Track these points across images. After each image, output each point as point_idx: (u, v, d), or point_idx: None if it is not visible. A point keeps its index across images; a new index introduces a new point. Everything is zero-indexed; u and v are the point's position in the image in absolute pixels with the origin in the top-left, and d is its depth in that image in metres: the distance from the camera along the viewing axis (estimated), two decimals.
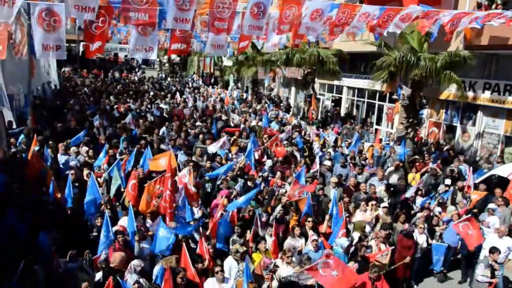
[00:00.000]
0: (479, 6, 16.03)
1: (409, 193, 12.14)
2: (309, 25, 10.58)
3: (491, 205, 11.12)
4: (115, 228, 8.47)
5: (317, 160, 14.57)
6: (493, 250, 9.27)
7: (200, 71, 48.72)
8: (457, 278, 10.74)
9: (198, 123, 19.02)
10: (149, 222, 9.23)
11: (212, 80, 44.25)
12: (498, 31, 14.06)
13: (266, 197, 11.27)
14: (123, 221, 8.93)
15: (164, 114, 21.00)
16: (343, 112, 27.03)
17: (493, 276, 9.22)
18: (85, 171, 10.97)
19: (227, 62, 37.86)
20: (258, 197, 11.05)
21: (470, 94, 17.81)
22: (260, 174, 12.78)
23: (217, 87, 39.32)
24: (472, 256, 10.23)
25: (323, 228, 10.06)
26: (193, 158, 13.63)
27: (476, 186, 12.62)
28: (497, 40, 15.18)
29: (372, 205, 10.76)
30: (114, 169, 10.90)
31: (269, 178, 12.79)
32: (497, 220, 10.74)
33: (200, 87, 38.76)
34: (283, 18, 9.98)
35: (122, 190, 10.64)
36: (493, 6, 15.49)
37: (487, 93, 17.23)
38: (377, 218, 10.61)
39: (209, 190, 11.68)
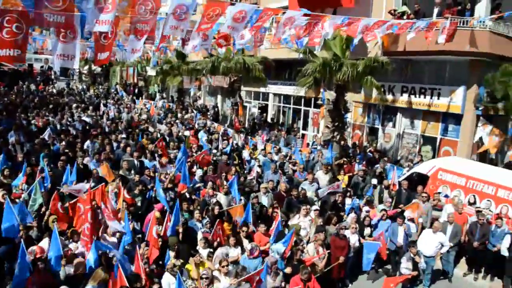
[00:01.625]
0: (392, 14, 17.03)
1: (321, 192, 12.72)
2: (232, 25, 10.45)
3: (415, 201, 11.74)
4: (33, 248, 7.69)
5: (255, 168, 14.62)
6: (411, 244, 9.82)
7: (123, 81, 47.19)
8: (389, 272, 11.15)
9: (123, 136, 18.27)
10: (72, 243, 8.63)
11: (136, 91, 42.99)
12: (412, 39, 14.97)
13: (199, 207, 11.05)
14: (44, 243, 8.22)
15: (87, 127, 20.01)
16: (270, 118, 27.39)
17: (415, 268, 9.72)
18: (1, 192, 10.01)
19: (151, 72, 36.99)
20: (190, 209, 10.82)
21: (390, 97, 18.84)
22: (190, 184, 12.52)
23: (142, 97, 38.27)
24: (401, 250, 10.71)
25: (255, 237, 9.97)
26: (121, 172, 13.08)
27: (400, 184, 13.25)
28: (411, 46, 16.18)
29: (305, 208, 10.91)
30: (35, 188, 10.13)
31: (201, 188, 12.57)
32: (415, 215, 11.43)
33: (124, 98, 37.49)
34: (205, 18, 9.76)
35: (44, 211, 9.92)
36: (404, 16, 16.53)
37: (405, 96, 18.32)
38: (310, 220, 10.79)
39: (139, 204, 11.20)
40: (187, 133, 20.06)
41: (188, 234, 9.47)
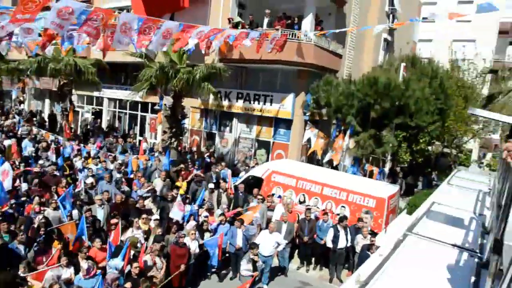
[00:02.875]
0: (230, 21, 17.56)
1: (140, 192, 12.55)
2: (58, 21, 9.46)
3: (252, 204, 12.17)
4: None
5: (81, 178, 13.45)
6: (253, 245, 10.18)
7: None
8: (230, 275, 11.31)
9: None
10: None
11: None
12: (247, 47, 15.57)
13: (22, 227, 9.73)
14: None
15: None
16: (104, 124, 25.85)
17: (255, 269, 10.07)
18: None
19: None
20: (11, 229, 9.45)
21: (226, 103, 19.34)
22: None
23: None
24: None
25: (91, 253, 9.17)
26: None
27: (236, 188, 13.62)
28: (246, 55, 16.88)
29: (144, 218, 10.44)
30: None
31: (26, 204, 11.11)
32: (258, 216, 11.85)
33: None
34: (21, 7, 8.61)
35: None
36: (239, 26, 17.17)
37: (240, 102, 19.00)
38: (148, 231, 10.36)
39: None
40: (8, 142, 17.52)
41: (7, 258, 8.22)
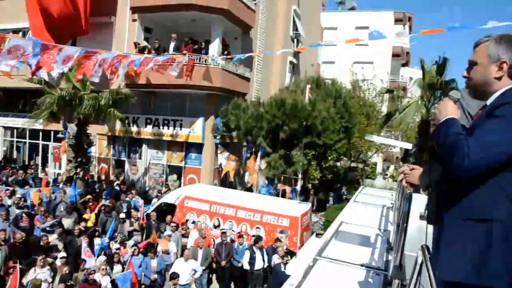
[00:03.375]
0: (136, 46, 17.19)
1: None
2: None
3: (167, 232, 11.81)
4: None
5: None
6: (173, 275, 9.83)
7: None
8: None
9: None
10: None
11: None
12: (154, 72, 15.33)
13: None
14: None
15: None
16: (0, 156, 23.82)
17: None
18: None
19: None
20: None
21: (135, 129, 18.77)
22: None
23: None
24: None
25: None
26: None
27: (148, 216, 13.18)
28: (154, 80, 16.59)
29: (42, 259, 9.62)
30: None
31: None
32: (173, 245, 11.52)
33: None
34: None
35: None
36: (145, 51, 16.87)
37: (149, 127, 18.54)
38: (54, 270, 9.59)
39: None
40: None
41: None
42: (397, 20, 41.80)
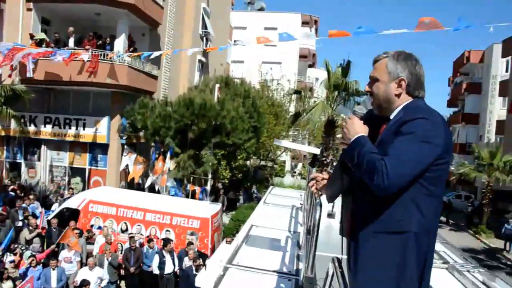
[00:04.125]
0: (31, 38, 15.95)
1: None
2: None
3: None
4: None
5: None
6: (84, 283, 9.22)
7: None
8: None
9: None
10: None
11: None
12: (54, 67, 14.36)
13: None
14: None
15: None
16: None
17: None
18: None
19: None
20: None
21: (32, 128, 17.39)
22: None
23: None
24: None
25: None
26: None
27: (48, 223, 12.31)
28: (52, 75, 15.47)
29: None
30: None
31: None
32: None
33: None
34: None
35: None
36: (43, 44, 15.70)
37: (49, 127, 17.31)
38: None
39: None
40: None
41: None
42: (304, 23, 43.38)
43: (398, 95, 2.06)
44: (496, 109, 38.82)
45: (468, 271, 4.50)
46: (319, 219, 2.37)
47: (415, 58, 2.10)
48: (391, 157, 1.80)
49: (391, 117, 2.06)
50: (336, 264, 1.92)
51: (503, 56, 35.50)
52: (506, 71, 36.07)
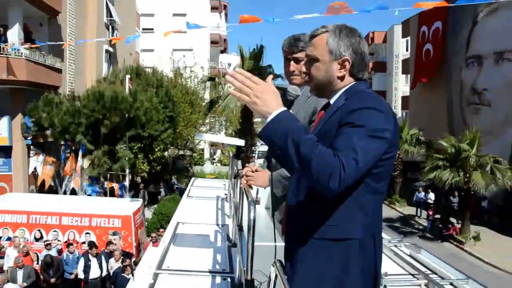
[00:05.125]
0: None
1: None
2: None
3: None
4: None
5: None
6: None
7: None
8: None
9: None
10: None
11: None
12: None
13: None
14: None
15: None
16: None
17: None
18: None
19: None
20: None
21: None
22: None
23: None
24: None
25: None
26: None
27: None
28: None
29: None
30: None
31: None
32: None
33: None
34: None
35: None
36: None
37: None
38: None
39: None
40: None
41: None
42: (213, 8, 42.88)
43: (341, 78, 1.77)
44: (400, 86, 41.56)
45: (395, 246, 4.65)
46: (254, 219, 2.20)
47: (358, 34, 1.78)
48: (344, 153, 1.49)
49: (331, 101, 1.80)
50: (279, 267, 1.73)
51: (403, 36, 37.86)
52: (407, 50, 38.53)
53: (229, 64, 42.57)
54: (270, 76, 1.79)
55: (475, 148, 18.12)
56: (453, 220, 20.18)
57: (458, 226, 19.42)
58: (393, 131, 1.64)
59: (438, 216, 20.87)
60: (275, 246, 2.04)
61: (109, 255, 10.59)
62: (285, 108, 1.58)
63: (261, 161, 19.91)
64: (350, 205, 1.64)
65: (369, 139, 1.55)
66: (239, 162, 4.18)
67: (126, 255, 10.52)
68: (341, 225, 1.66)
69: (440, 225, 19.92)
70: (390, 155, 1.67)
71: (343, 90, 1.78)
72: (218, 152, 37.25)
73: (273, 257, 1.87)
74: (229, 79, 1.63)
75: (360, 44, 1.77)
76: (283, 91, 1.92)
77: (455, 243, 18.86)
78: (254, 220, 2.16)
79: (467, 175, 17.89)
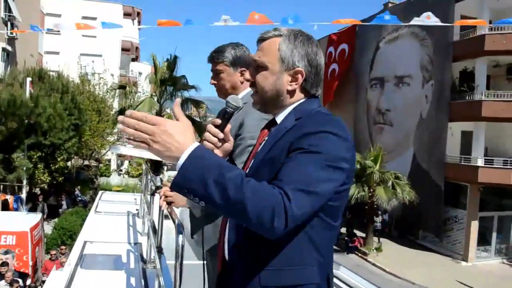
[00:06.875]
0: None
1: None
2: None
3: None
4: None
5: None
6: None
7: None
8: None
9: None
10: None
11: None
12: None
13: None
14: None
15: None
16: None
17: None
18: None
19: None
20: None
21: None
22: None
23: None
24: None
25: None
26: None
27: None
28: None
29: None
30: None
31: None
32: None
33: None
34: None
35: None
36: None
37: None
38: None
39: None
40: None
41: None
42: (126, 14, 41.41)
43: (291, 92, 1.49)
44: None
45: None
46: (183, 245, 1.94)
47: (316, 44, 1.53)
48: (295, 185, 1.24)
49: (278, 120, 1.51)
50: None
51: None
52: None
53: (140, 73, 41.33)
54: (178, 100, 1.41)
55: (379, 165, 19.32)
56: (356, 232, 21.29)
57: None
58: (352, 159, 1.41)
59: (343, 229, 21.86)
60: (204, 263, 1.79)
61: (1, 277, 9.51)
62: (197, 144, 1.26)
63: (172, 173, 19.39)
64: (306, 245, 1.38)
65: (325, 169, 1.30)
66: (158, 178, 3.88)
67: (20, 275, 9.52)
68: (297, 269, 1.39)
69: (346, 238, 20.84)
70: (346, 186, 1.42)
71: (292, 107, 1.50)
72: (126, 163, 35.82)
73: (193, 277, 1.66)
74: (120, 127, 1.26)
75: (317, 56, 1.51)
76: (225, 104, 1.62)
77: (359, 254, 19.84)
78: (183, 247, 1.90)
79: (371, 190, 18.97)
